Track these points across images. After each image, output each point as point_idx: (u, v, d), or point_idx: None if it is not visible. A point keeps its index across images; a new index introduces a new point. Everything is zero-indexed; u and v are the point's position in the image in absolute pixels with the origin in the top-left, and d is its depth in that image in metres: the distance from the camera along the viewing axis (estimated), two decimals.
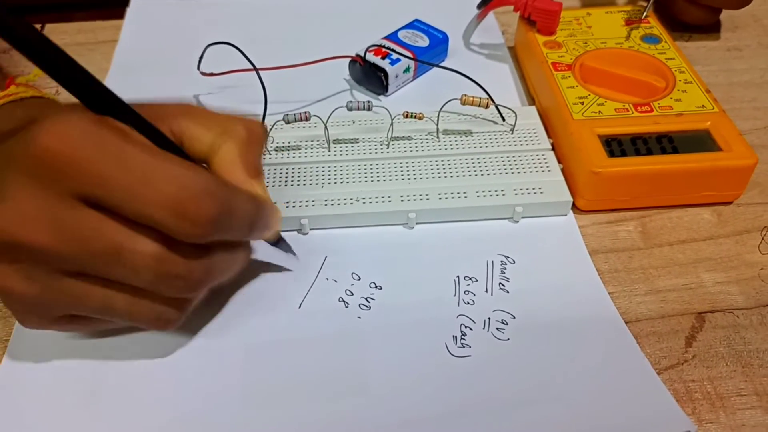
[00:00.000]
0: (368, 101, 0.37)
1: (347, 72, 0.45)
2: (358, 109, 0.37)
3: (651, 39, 0.43)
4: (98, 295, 0.25)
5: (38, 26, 0.51)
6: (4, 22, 0.21)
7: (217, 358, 0.30)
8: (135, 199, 0.22)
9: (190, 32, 0.50)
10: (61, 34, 0.51)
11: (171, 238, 0.24)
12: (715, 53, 0.48)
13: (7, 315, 0.31)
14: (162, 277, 0.24)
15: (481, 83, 0.40)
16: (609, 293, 0.32)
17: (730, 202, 0.37)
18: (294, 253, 0.33)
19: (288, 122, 0.36)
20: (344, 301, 0.32)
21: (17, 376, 0.29)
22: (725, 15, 0.52)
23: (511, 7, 0.45)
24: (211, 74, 0.41)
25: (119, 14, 0.52)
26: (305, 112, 0.36)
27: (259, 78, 0.39)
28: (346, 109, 0.37)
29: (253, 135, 0.28)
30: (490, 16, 0.51)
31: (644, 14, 0.44)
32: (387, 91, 0.43)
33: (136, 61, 0.48)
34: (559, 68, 0.40)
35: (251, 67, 0.39)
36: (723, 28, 0.51)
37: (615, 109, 0.37)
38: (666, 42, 0.42)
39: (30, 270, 0.24)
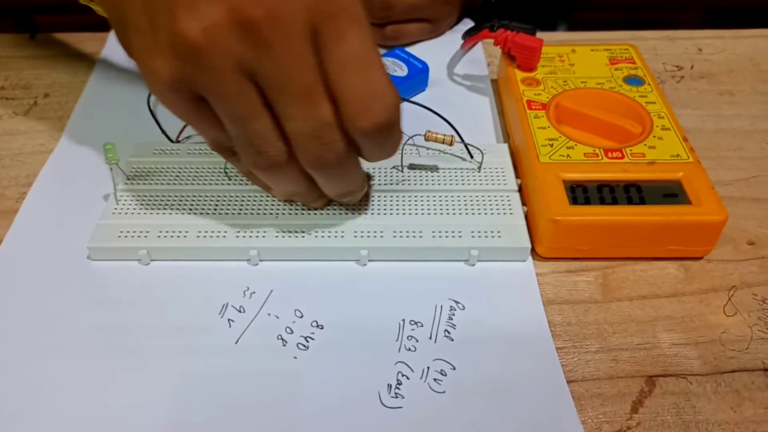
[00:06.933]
0: None
1: None
2: None
3: (634, 81, 0.41)
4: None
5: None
6: None
7: (146, 388, 0.29)
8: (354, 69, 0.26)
9: None
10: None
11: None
12: (707, 97, 0.47)
13: None
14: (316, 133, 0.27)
15: (458, 116, 0.39)
16: (558, 348, 0.31)
17: (700, 258, 0.35)
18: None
19: None
20: (283, 339, 0.31)
21: None
22: (722, 57, 0.50)
23: None
24: None
25: None
26: None
27: None
28: None
29: None
30: (478, 47, 0.50)
31: None
32: None
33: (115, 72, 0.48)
34: (534, 107, 0.39)
35: None
36: (718, 71, 0.49)
37: (584, 154, 0.36)
38: (649, 84, 0.41)
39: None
